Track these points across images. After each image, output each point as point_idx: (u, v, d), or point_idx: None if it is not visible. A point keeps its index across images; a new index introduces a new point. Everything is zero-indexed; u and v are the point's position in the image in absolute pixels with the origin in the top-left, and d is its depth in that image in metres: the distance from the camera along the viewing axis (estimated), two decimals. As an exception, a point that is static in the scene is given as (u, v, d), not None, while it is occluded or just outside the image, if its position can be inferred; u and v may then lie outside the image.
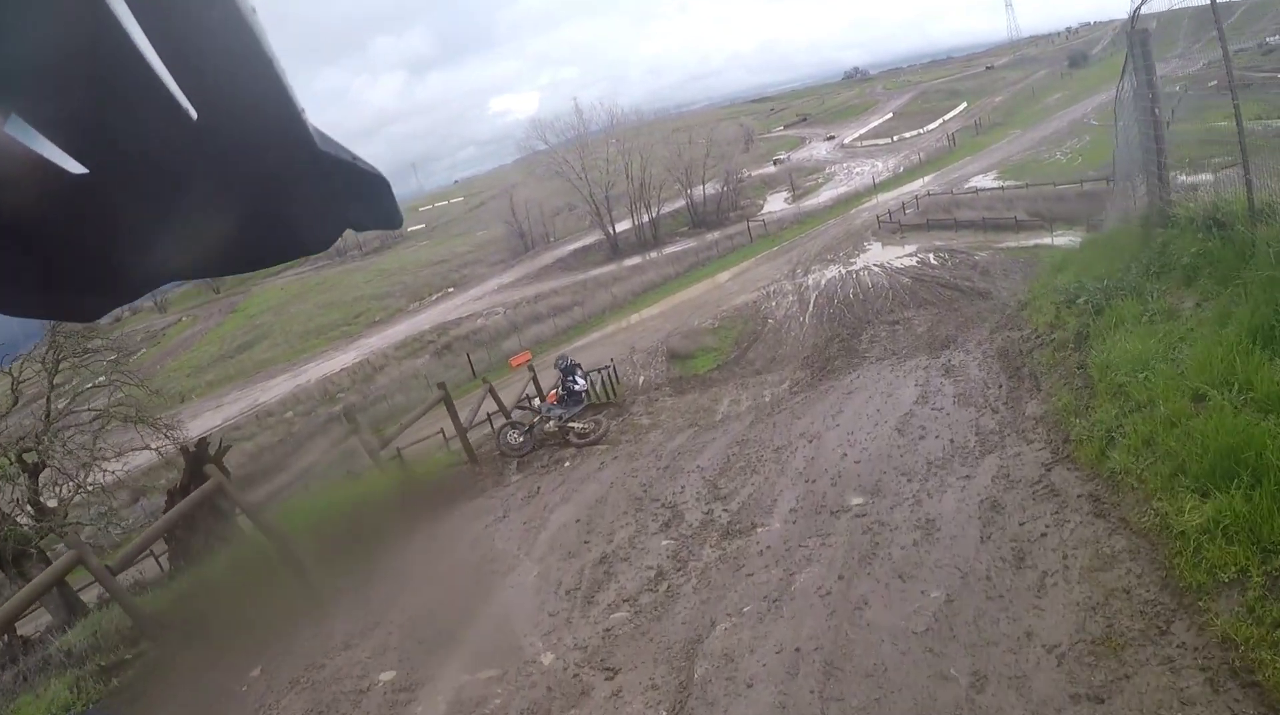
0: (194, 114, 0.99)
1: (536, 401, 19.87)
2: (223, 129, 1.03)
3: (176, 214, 1.10)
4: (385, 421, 33.80)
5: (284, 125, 1.10)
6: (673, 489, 13.21)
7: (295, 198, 1.22)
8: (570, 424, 18.27)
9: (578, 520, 13.08)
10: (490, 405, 21.34)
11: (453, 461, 20.10)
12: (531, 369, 24.15)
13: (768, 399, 19.16)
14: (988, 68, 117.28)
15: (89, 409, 27.53)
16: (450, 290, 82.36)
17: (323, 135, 1.19)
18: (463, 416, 19.43)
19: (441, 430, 24.30)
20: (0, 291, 1.11)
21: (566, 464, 16.99)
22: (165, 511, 19.01)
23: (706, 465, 13.86)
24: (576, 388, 19.49)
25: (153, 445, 27.96)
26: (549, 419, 18.51)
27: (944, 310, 26.56)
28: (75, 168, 0.99)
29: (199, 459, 20.40)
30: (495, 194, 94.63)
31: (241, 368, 77.38)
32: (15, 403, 26.17)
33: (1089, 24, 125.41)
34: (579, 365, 20.43)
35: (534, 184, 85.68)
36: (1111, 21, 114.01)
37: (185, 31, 0.93)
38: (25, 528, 23.21)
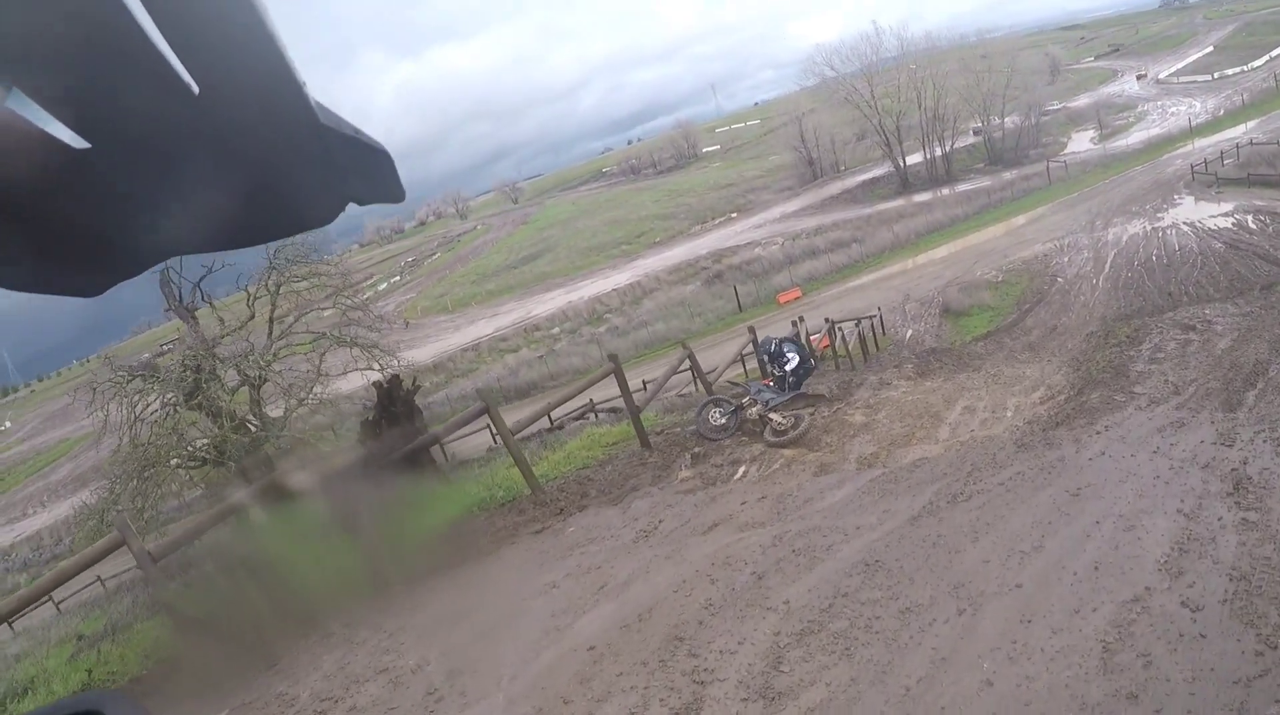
0: (195, 88, 0.96)
1: (769, 377, 16.97)
2: (224, 103, 0.99)
3: (178, 189, 1.06)
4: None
5: (286, 100, 1.06)
6: (727, 637, 8.23)
7: (297, 172, 1.16)
8: (771, 415, 15.39)
9: (591, 648, 8.60)
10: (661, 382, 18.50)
11: (620, 440, 17.07)
12: (753, 331, 21.20)
13: (1007, 417, 14.87)
14: None
15: (307, 331, 28.38)
16: (733, 215, 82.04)
17: (325, 109, 1.14)
18: (653, 381, 17.47)
19: (642, 384, 21.96)
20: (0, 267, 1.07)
21: (739, 473, 13.96)
22: (360, 441, 19.69)
23: (798, 603, 8.69)
24: (789, 369, 16.48)
25: (366, 369, 27.96)
26: (755, 402, 15.75)
27: (1258, 306, 21.30)
28: (76, 142, 0.95)
29: (390, 396, 19.99)
30: (788, 119, 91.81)
31: (522, 279, 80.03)
32: (251, 317, 27.91)
33: None
34: (792, 340, 17.34)
35: (826, 111, 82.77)
36: None
37: (186, 5, 0.91)
38: (252, 431, 25.09)
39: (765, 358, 16.92)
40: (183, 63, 0.92)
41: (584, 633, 8.77)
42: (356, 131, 1.22)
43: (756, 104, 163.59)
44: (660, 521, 11.93)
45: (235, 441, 23.96)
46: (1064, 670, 6.48)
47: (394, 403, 20.10)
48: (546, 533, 12.57)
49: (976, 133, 76.48)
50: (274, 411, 27.72)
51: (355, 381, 30.07)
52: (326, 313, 30.33)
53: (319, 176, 1.20)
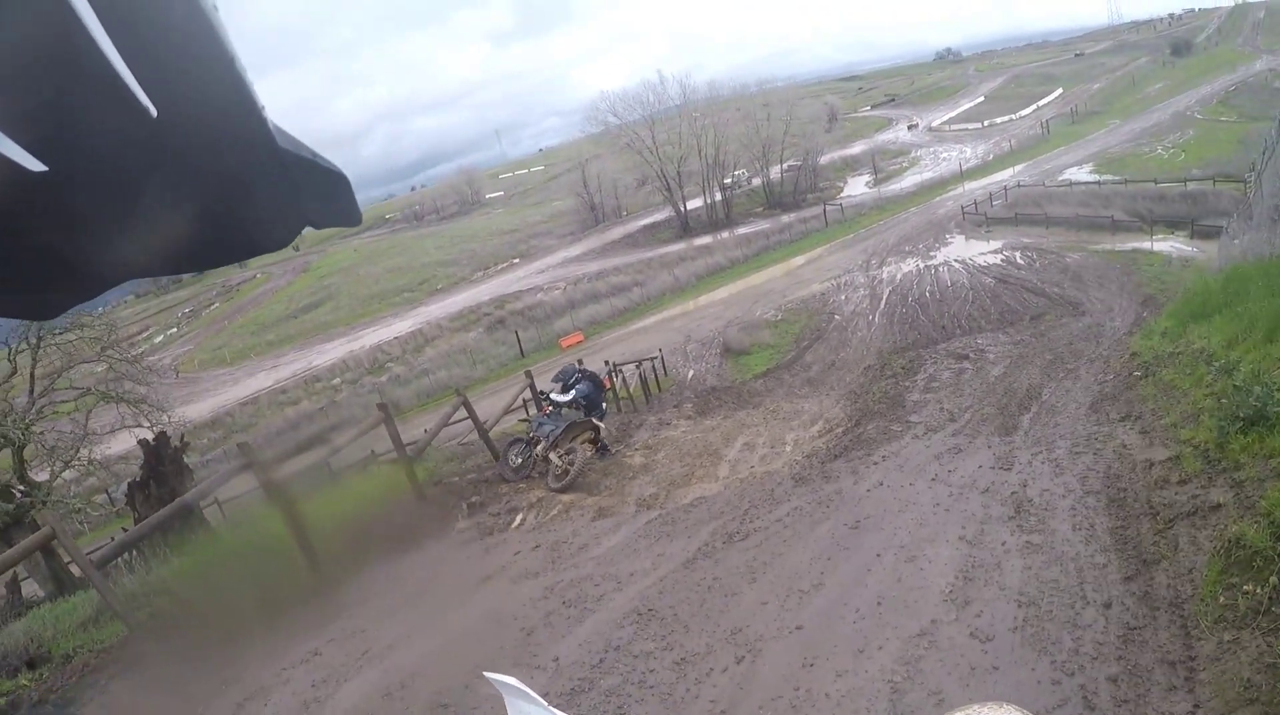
0: (154, 111, 0.96)
1: (546, 404, 16.54)
2: (182, 126, 1.00)
3: (135, 212, 1.05)
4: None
5: (244, 122, 1.08)
6: (493, 702, 7.22)
7: (255, 195, 1.17)
8: (550, 455, 14.95)
9: None
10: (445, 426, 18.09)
11: (393, 488, 16.42)
12: (528, 376, 20.72)
13: (786, 452, 14.93)
14: (1076, 54, 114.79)
15: (72, 386, 26.66)
16: (516, 261, 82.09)
17: (283, 133, 1.17)
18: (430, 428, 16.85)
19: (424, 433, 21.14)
20: None
21: (517, 521, 13.36)
22: (127, 503, 19.92)
23: (568, 659, 8.09)
24: (561, 399, 16.24)
25: (136, 427, 26.49)
26: (538, 440, 15.35)
27: (1028, 334, 22.76)
28: (33, 164, 0.95)
29: (158, 454, 19.01)
30: (572, 166, 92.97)
31: (302, 329, 78.37)
32: (13, 372, 26.41)
33: (1193, 10, 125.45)
34: (590, 373, 17.14)
35: (609, 157, 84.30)
36: (1217, 8, 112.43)
37: (146, 27, 0.93)
38: (17, 498, 23.19)
39: (558, 384, 16.50)
40: (141, 85, 0.91)
41: (343, 704, 8.06)
42: (314, 155, 1.23)
43: (541, 150, 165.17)
44: (434, 576, 11.41)
45: None
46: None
47: (162, 462, 19.56)
48: (313, 595, 11.75)
49: (727, 186, 77.87)
50: (41, 476, 25.90)
51: (129, 441, 28.50)
52: (98, 369, 28.63)
53: (277, 199, 1.19)
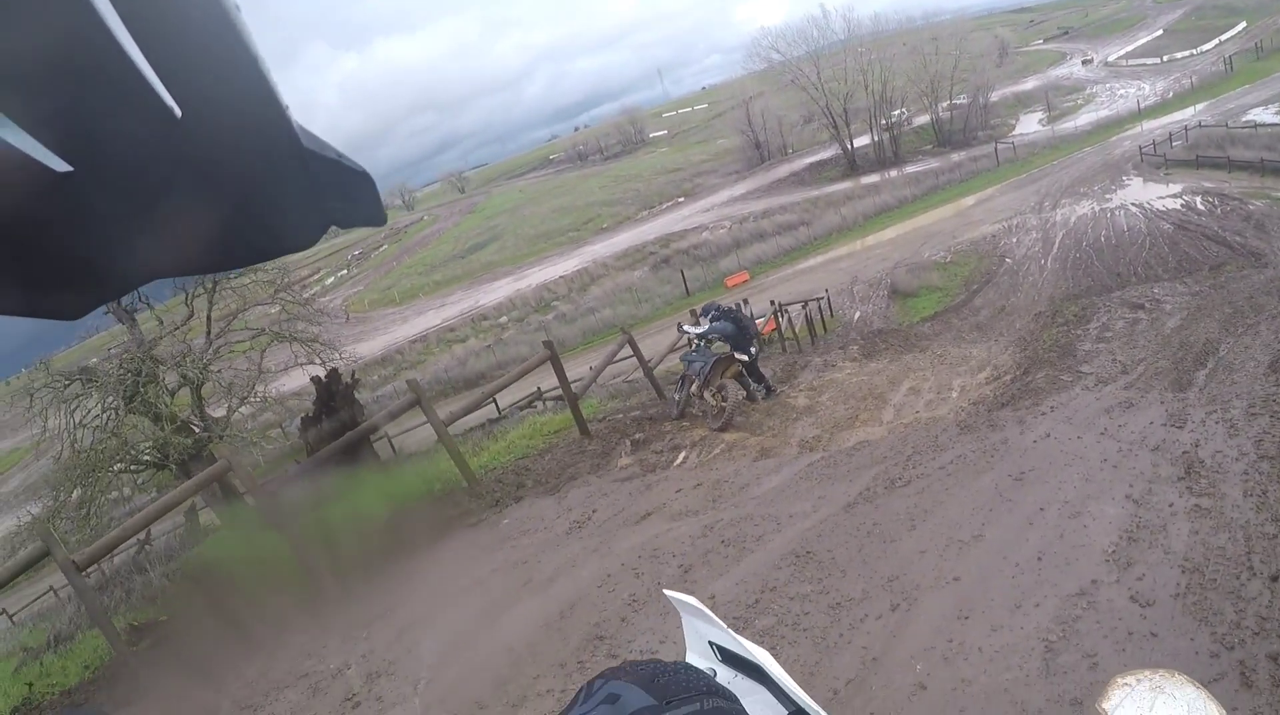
0: (178, 111, 0.97)
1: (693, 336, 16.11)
2: (206, 126, 1.00)
3: (160, 212, 1.06)
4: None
5: (268, 123, 1.09)
6: (649, 635, 7.71)
7: (279, 195, 1.19)
8: (704, 392, 14.87)
9: (510, 649, 8.02)
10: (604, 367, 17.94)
11: (562, 428, 16.46)
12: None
13: (952, 398, 14.53)
14: None
15: (246, 327, 27.75)
16: (681, 199, 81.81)
17: (307, 133, 1.18)
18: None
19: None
20: None
21: (679, 459, 13.43)
22: (300, 437, 19.71)
23: (725, 597, 8.24)
24: (693, 332, 15.93)
25: (308, 364, 27.33)
26: (692, 378, 15.24)
27: (1206, 285, 21.70)
28: (58, 165, 0.95)
29: (329, 390, 19.53)
30: (735, 103, 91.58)
31: (469, 268, 79.67)
32: (190, 316, 27.30)
33: None
34: (730, 310, 16.32)
35: (773, 94, 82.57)
36: None
37: (169, 28, 0.93)
38: (196, 433, 24.47)
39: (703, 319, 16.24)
40: (165, 86, 0.92)
41: (505, 632, 8.29)
42: (339, 155, 1.24)
43: (704, 89, 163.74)
44: (594, 512, 11.47)
45: (179, 443, 23.33)
46: (1003, 672, 5.98)
47: (333, 397, 19.61)
48: (481, 525, 12.12)
49: (890, 125, 76.10)
50: (219, 412, 27.18)
51: (302, 379, 29.55)
52: (273, 310, 29.59)
53: (301, 199, 1.21)
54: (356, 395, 21.46)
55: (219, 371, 26.45)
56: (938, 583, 7.49)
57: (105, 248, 1.07)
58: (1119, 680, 3.52)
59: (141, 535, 20.80)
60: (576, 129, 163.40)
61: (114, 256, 1.08)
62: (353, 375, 21.74)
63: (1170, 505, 7.97)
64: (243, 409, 28.10)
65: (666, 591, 2.28)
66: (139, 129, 0.94)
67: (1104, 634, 6.25)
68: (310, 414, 19.73)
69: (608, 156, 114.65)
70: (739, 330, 15.31)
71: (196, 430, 24.55)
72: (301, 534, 11.78)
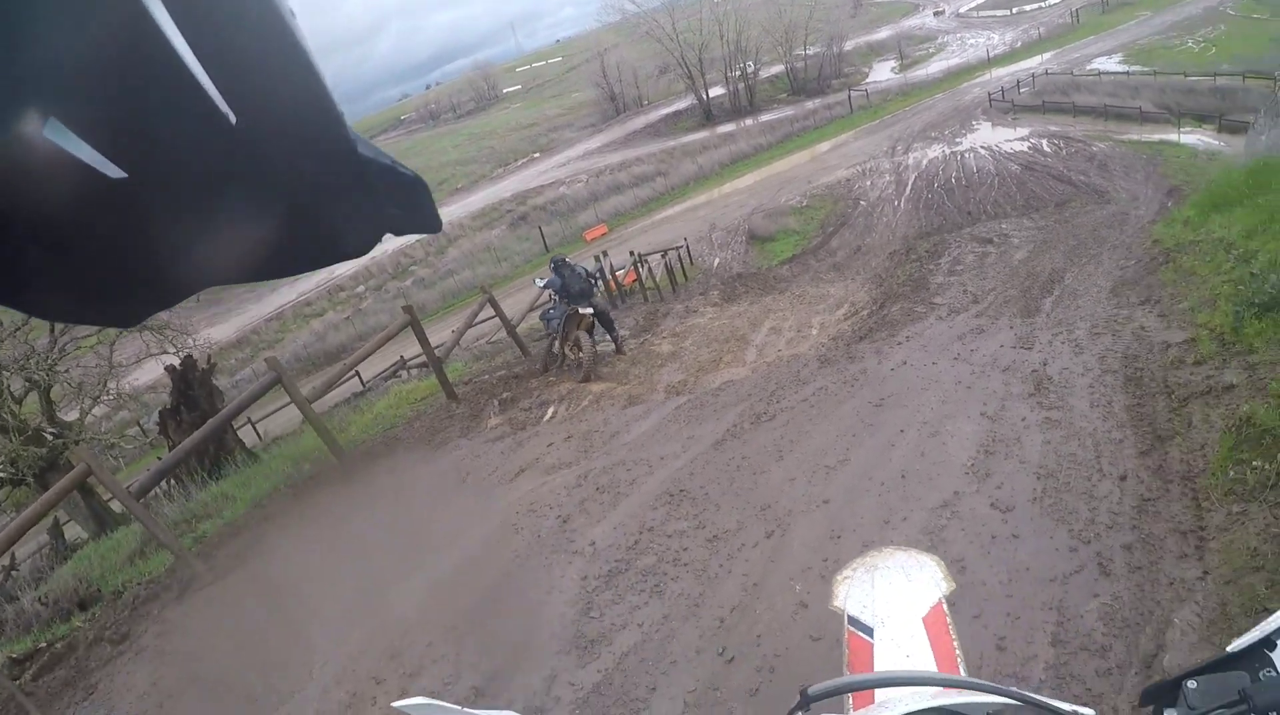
0: (233, 118, 0.97)
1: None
2: (262, 133, 1.01)
3: (215, 219, 1.08)
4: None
5: (324, 129, 1.08)
6: (534, 588, 7.76)
7: (335, 202, 1.19)
8: (563, 347, 15.02)
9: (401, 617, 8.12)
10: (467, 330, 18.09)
11: (429, 394, 16.33)
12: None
13: (812, 335, 15.01)
14: None
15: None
16: (536, 155, 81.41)
17: (362, 140, 1.16)
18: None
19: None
20: (39, 297, 1.09)
21: (549, 414, 13.28)
22: (160, 432, 20.12)
23: (604, 542, 8.27)
24: (541, 286, 15.96)
25: (161, 354, 26.18)
26: (552, 334, 15.31)
27: (1052, 220, 22.88)
28: (114, 172, 0.95)
29: (185, 379, 19.07)
30: (590, 56, 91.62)
31: (321, 238, 77.96)
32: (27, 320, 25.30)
33: None
34: (554, 263, 15.89)
35: (628, 46, 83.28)
36: None
37: (224, 34, 0.93)
38: (49, 441, 22.97)
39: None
40: (221, 92, 0.92)
41: (393, 601, 8.23)
42: (394, 162, 1.21)
43: (558, 42, 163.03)
44: (467, 474, 11.50)
45: (32, 454, 21.79)
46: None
47: (190, 386, 19.80)
48: (353, 502, 11.74)
49: (741, 76, 76.89)
50: (71, 415, 25.59)
51: (157, 370, 28.43)
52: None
53: (357, 206, 1.20)
54: (214, 381, 20.93)
55: (67, 371, 25.17)
56: (808, 507, 7.85)
57: (162, 256, 1.07)
58: (838, 577, 3.66)
59: (4, 560, 19.82)
60: (428, 87, 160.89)
61: (170, 264, 1.09)
62: (209, 360, 21.48)
63: (1023, 419, 8.56)
64: (96, 409, 26.93)
65: (395, 705, 2.10)
66: (195, 136, 0.94)
67: (969, 540, 6.71)
68: (168, 406, 19.25)
69: (460, 114, 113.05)
70: (563, 283, 15.19)
71: (49, 438, 23.19)
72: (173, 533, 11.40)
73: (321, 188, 1.12)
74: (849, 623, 3.11)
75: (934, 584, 3.21)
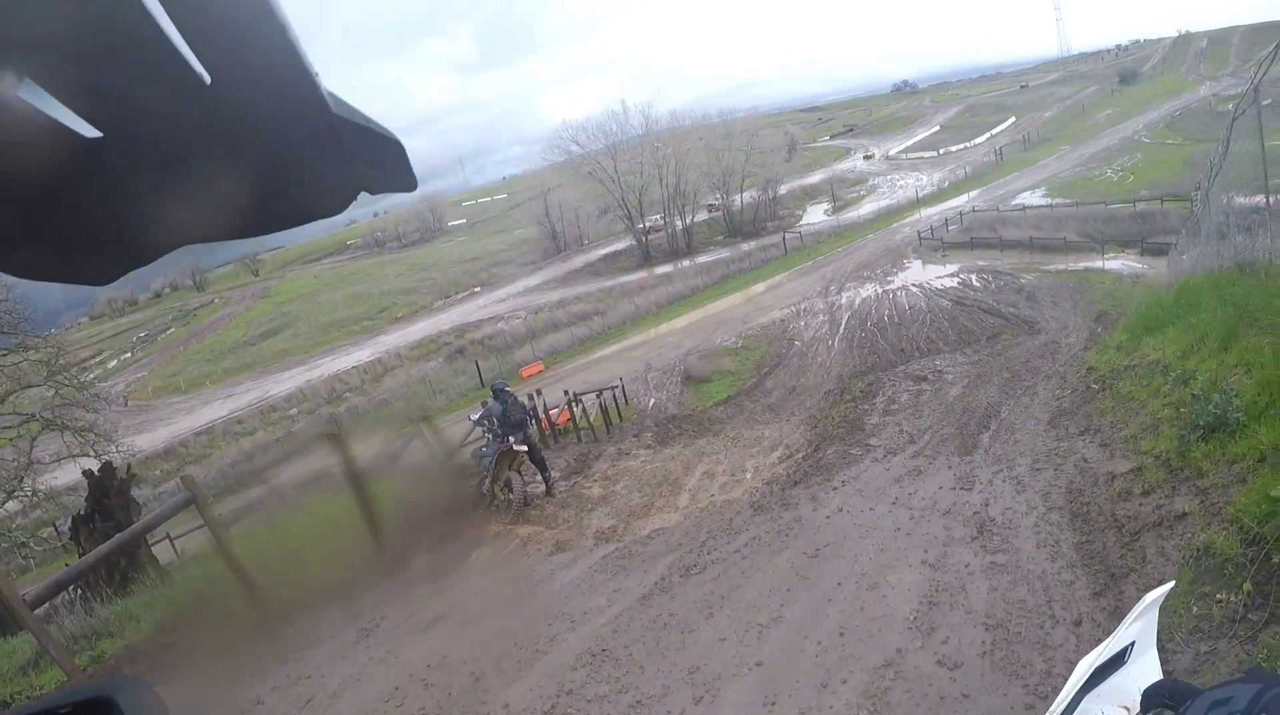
0: (207, 78, 0.96)
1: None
2: (236, 92, 0.99)
3: (189, 178, 1.05)
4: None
5: (297, 89, 1.06)
6: None
7: (309, 161, 1.15)
8: (493, 487, 14.83)
9: None
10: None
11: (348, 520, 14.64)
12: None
13: (746, 479, 14.93)
14: (1021, 86, 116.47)
15: (15, 412, 25.30)
16: (477, 289, 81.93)
17: (336, 99, 1.16)
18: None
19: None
20: (13, 256, 1.07)
21: (473, 557, 13.09)
22: (71, 538, 19.22)
23: (519, 705, 7.85)
24: (474, 420, 15.99)
25: (82, 456, 25.68)
26: (484, 474, 15.13)
27: (985, 354, 23.34)
28: (88, 131, 0.95)
29: (102, 486, 18.57)
30: (534, 194, 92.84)
31: (260, 356, 78.16)
32: None
33: (1139, 41, 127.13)
34: (495, 391, 15.92)
35: (572, 186, 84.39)
36: (1161, 39, 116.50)
37: None
38: None
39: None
40: (194, 52, 0.92)
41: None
42: (369, 120, 1.22)
43: (504, 179, 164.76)
44: (383, 618, 10.96)
45: None
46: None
47: (106, 494, 18.98)
48: (261, 638, 11.21)
49: (712, 209, 78.68)
50: None
51: (76, 472, 27.81)
52: (47, 394, 27.83)
53: (331, 165, 1.18)
54: (134, 492, 20.43)
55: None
56: (739, 670, 7.40)
57: (135, 213, 1.06)
58: None
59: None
60: (376, 214, 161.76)
61: (144, 222, 1.07)
62: (129, 470, 20.85)
63: (967, 565, 8.23)
64: (9, 504, 26.24)
65: None
66: (168, 95, 0.94)
67: (915, 703, 6.32)
68: (82, 513, 18.79)
69: (405, 244, 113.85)
70: (505, 410, 15.14)
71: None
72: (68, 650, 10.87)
73: (296, 146, 1.10)
74: None
75: None
